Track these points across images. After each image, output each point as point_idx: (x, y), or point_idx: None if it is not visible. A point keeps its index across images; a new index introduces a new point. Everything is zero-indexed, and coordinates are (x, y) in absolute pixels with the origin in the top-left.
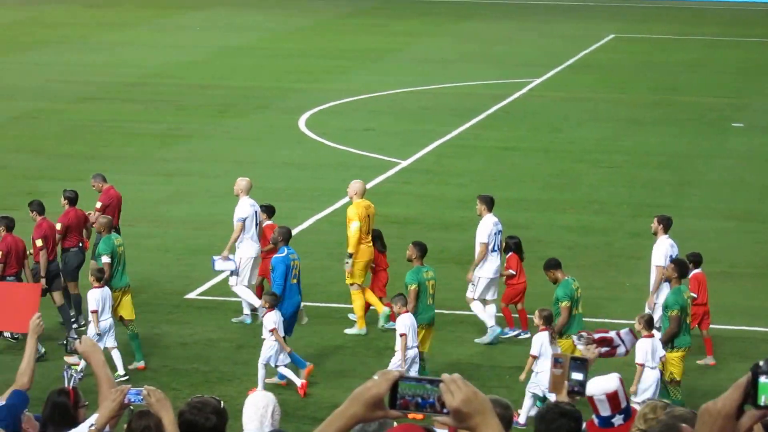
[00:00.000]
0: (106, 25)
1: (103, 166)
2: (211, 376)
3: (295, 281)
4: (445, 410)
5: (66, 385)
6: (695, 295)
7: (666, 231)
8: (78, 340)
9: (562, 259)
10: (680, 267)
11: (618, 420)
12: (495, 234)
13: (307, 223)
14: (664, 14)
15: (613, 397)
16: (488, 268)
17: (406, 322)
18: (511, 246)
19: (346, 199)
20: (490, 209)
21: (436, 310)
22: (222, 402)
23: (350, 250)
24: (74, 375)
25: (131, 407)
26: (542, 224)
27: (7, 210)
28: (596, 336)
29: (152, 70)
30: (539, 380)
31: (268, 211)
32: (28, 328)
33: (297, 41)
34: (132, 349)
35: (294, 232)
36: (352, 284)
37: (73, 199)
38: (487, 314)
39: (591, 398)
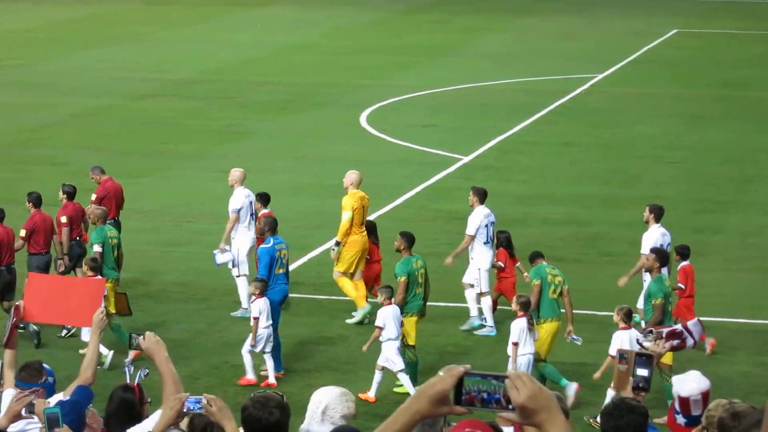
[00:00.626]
0: (166, 22)
1: (163, 163)
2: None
3: (282, 270)
4: (510, 406)
5: (128, 381)
6: (683, 287)
7: (657, 220)
8: (141, 337)
9: (623, 256)
10: (661, 256)
11: (681, 419)
12: (486, 226)
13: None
14: (727, 9)
15: (706, 396)
16: (484, 261)
17: (385, 314)
18: (502, 240)
19: (408, 196)
20: (482, 201)
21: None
22: (284, 397)
23: (338, 238)
24: (140, 372)
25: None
26: (603, 220)
27: None
28: (665, 330)
29: (212, 66)
30: (519, 365)
31: (263, 199)
32: (91, 322)
33: (357, 38)
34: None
35: None
36: (339, 272)
37: (71, 194)
38: (474, 304)
39: (686, 399)
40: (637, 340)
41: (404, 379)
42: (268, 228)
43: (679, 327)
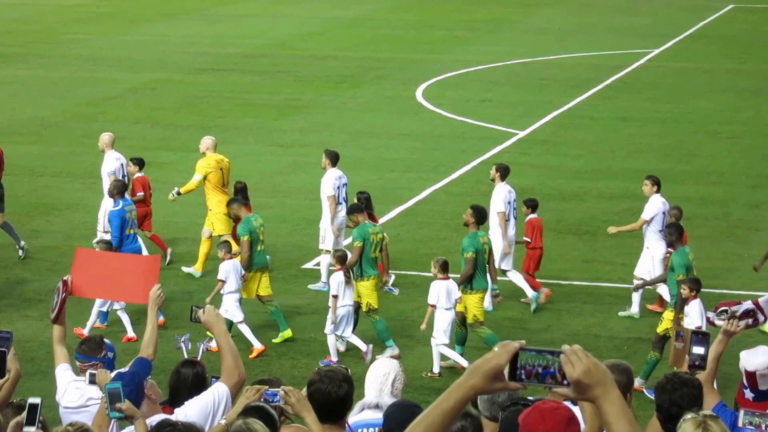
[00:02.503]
0: None
1: (221, 137)
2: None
3: (131, 231)
4: (565, 381)
5: (186, 355)
6: (528, 240)
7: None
8: (201, 310)
9: None
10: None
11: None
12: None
13: (425, 193)
14: None
15: None
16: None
17: (226, 268)
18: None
19: (463, 170)
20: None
21: (552, 281)
22: (349, 370)
23: (182, 190)
24: (201, 345)
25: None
26: None
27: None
28: (740, 310)
29: (269, 41)
30: (339, 315)
31: (137, 163)
32: (148, 299)
33: (414, 12)
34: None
35: (411, 202)
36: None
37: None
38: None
39: (752, 373)
40: (708, 319)
41: (245, 330)
42: (116, 191)
43: (748, 305)
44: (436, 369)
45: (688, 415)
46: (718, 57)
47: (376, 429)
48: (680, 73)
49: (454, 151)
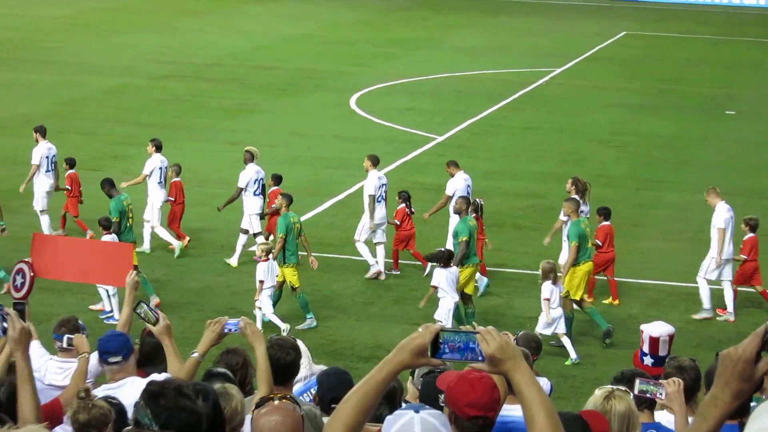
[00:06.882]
0: (183, 13)
1: (178, 135)
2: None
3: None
4: (480, 357)
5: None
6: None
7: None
8: (239, 321)
9: None
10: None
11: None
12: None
13: (355, 187)
14: (670, 15)
15: (671, 339)
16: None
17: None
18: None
19: (389, 168)
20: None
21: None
22: (297, 340)
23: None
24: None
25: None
26: (557, 195)
27: (96, 170)
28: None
29: (223, 52)
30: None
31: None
32: (124, 283)
33: (349, 31)
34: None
35: (342, 196)
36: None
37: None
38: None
39: (656, 339)
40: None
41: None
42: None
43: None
44: None
45: (600, 390)
46: (610, 77)
47: (312, 390)
48: (578, 89)
49: (381, 152)
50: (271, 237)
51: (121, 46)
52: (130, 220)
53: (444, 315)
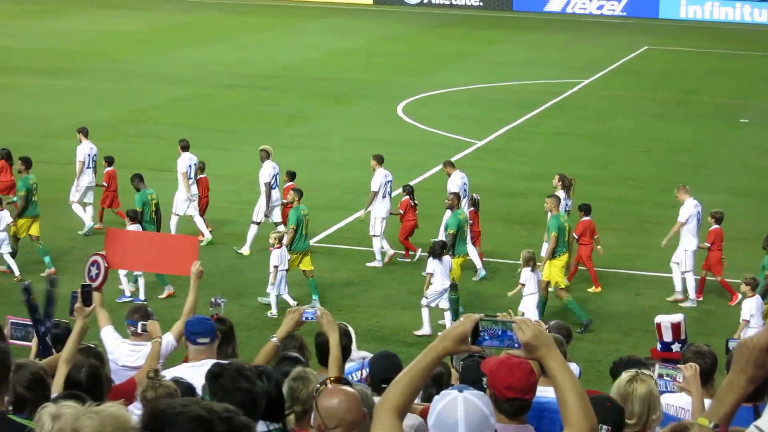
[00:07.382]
0: (248, 28)
1: (242, 139)
2: (336, 305)
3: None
4: (517, 345)
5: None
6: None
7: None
8: (315, 310)
9: (601, 223)
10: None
11: (676, 347)
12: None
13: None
14: (688, 32)
15: (677, 326)
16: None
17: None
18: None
19: (432, 171)
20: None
21: (501, 260)
22: (348, 326)
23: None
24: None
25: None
26: (587, 195)
27: (163, 171)
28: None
29: (282, 64)
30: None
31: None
32: (190, 272)
33: (397, 44)
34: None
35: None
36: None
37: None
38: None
39: (658, 325)
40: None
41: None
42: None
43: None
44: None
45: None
46: (634, 87)
47: (357, 373)
48: (604, 99)
49: (425, 156)
50: (281, 227)
51: (188, 59)
52: (153, 214)
53: (433, 295)
